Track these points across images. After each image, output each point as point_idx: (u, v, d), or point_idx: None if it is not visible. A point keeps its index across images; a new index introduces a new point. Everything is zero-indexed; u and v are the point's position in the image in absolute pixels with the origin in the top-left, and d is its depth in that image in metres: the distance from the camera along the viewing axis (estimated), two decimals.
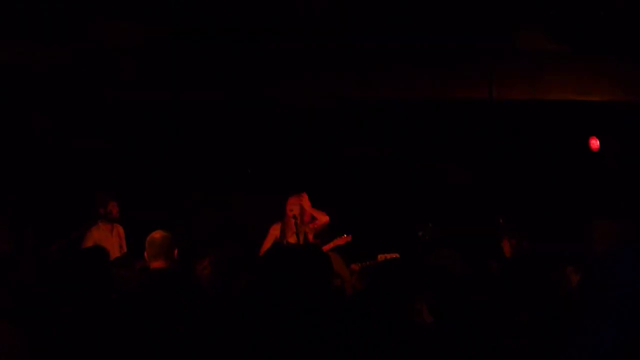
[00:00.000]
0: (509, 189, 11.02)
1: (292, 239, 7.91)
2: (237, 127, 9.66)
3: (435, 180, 11.56)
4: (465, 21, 7.14)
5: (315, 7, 6.95)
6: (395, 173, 11.48)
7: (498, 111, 8.58)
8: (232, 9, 6.80)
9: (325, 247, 8.02)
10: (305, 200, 8.18)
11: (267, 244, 8.04)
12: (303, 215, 8.13)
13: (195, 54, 7.63)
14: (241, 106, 8.57)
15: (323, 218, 8.21)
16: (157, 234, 5.42)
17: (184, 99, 8.07)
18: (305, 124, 9.88)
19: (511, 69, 7.78)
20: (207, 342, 3.67)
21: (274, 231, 8.21)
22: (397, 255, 8.30)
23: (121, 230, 8.38)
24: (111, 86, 7.50)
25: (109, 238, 8.08)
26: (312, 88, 7.94)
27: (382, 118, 9.50)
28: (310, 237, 8.06)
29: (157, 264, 5.37)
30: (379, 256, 8.34)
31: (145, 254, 5.45)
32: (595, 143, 8.90)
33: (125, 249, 8.14)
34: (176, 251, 5.48)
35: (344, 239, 8.29)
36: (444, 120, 9.50)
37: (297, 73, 7.90)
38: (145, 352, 3.92)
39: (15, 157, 8.68)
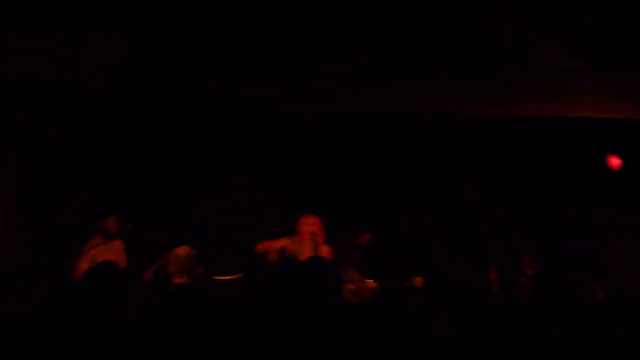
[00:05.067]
0: (527, 207, 11.00)
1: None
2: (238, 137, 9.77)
3: (450, 195, 11.56)
4: (483, 37, 7.14)
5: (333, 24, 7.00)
6: (413, 189, 11.49)
7: (516, 128, 8.58)
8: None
9: None
10: (319, 222, 8.22)
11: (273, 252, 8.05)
12: (319, 235, 8.15)
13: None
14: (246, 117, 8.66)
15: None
16: (181, 250, 5.44)
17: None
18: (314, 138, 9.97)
19: (529, 85, 7.75)
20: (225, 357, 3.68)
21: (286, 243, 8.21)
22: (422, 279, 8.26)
23: (121, 244, 8.30)
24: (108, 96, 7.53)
25: (106, 253, 7.88)
26: (324, 104, 7.94)
27: (400, 133, 9.52)
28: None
29: (179, 280, 5.39)
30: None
31: (169, 269, 5.48)
32: (615, 161, 8.88)
33: (125, 264, 8.12)
34: (201, 269, 5.50)
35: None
36: (461, 136, 9.51)
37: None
38: None
39: (33, 171, 8.73)
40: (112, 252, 8.13)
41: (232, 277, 6.01)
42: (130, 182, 10.24)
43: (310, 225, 8.09)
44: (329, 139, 10.08)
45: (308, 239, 8.04)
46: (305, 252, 8.02)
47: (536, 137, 9.15)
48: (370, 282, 8.36)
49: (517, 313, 5.32)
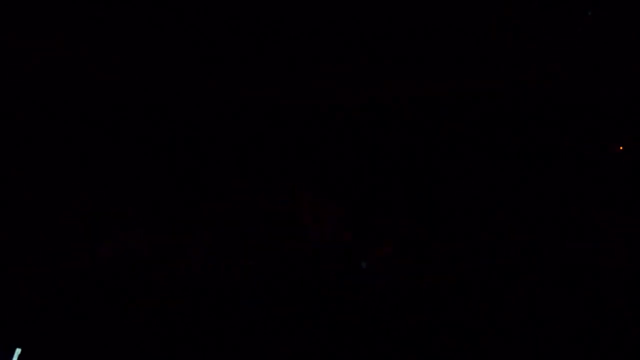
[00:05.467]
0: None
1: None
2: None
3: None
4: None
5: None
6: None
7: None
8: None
9: None
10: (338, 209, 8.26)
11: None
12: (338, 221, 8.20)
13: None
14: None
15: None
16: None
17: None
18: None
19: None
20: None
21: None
22: None
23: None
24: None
25: (131, 242, 8.05)
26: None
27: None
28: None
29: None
30: None
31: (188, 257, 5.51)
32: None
33: (150, 253, 8.19)
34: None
35: None
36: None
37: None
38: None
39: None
40: (136, 240, 8.26)
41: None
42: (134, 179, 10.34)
43: (329, 211, 8.14)
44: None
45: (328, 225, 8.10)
46: (325, 238, 8.10)
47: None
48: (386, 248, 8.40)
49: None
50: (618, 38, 7.21)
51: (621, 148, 9.06)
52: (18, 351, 3.58)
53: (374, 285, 6.01)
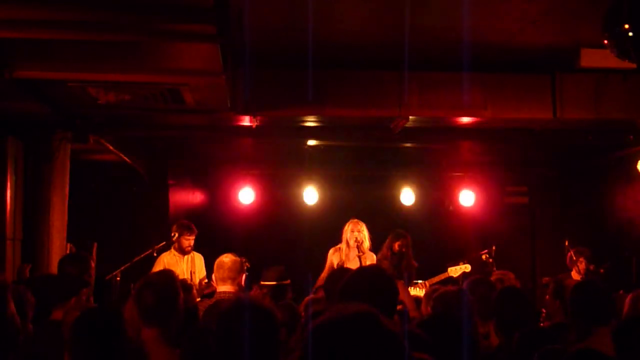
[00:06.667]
0: (570, 211, 10.85)
1: (353, 265, 7.63)
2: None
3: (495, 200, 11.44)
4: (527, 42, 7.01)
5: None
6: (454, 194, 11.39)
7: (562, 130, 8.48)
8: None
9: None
10: (365, 229, 8.10)
11: (327, 270, 7.99)
12: (364, 242, 8.05)
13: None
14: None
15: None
16: (226, 258, 5.40)
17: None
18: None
19: (574, 88, 7.63)
20: None
21: (332, 257, 8.18)
22: (469, 267, 8.29)
23: (197, 258, 8.41)
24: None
25: (179, 263, 8.12)
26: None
27: (447, 140, 9.43)
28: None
29: (224, 288, 5.36)
30: (448, 269, 8.34)
31: (213, 277, 5.46)
32: None
33: (198, 276, 8.16)
34: (244, 276, 5.47)
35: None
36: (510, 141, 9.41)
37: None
38: None
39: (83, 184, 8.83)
40: (187, 263, 8.22)
41: (281, 282, 5.89)
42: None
43: (355, 232, 7.98)
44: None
45: (353, 247, 7.90)
46: (350, 261, 7.88)
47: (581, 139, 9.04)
48: (418, 286, 8.31)
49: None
50: None
51: None
52: None
53: None
